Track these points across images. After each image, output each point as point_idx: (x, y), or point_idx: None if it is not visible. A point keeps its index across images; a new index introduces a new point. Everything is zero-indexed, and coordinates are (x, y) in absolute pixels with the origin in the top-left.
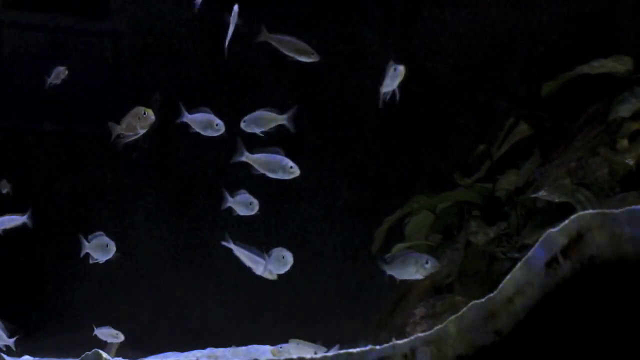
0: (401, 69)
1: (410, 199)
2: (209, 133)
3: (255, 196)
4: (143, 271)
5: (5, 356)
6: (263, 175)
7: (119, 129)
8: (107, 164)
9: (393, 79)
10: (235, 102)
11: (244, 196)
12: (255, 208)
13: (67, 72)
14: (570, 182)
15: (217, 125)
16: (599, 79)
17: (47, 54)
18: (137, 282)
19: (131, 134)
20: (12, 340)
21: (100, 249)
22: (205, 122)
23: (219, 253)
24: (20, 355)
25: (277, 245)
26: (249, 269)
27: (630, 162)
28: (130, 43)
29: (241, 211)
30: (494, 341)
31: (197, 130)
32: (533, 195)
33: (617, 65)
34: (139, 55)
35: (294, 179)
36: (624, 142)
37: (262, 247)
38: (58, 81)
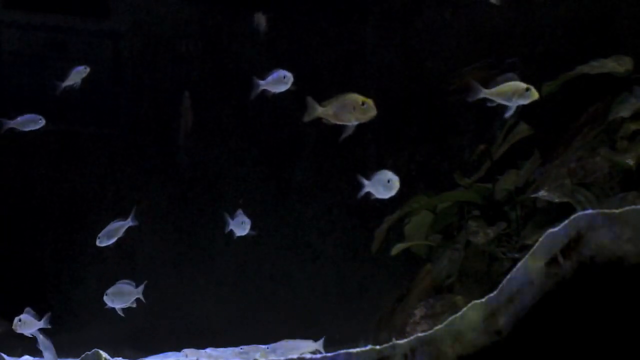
0: (534, 91)
1: (410, 199)
2: None
3: (256, 196)
4: (143, 271)
5: (5, 356)
6: (262, 175)
7: (322, 111)
8: (107, 164)
9: (519, 99)
10: (236, 102)
11: (238, 218)
12: (247, 228)
13: (88, 69)
14: (570, 182)
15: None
16: (599, 79)
17: (47, 54)
18: (136, 282)
19: (338, 122)
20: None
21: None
22: None
23: (219, 253)
24: (21, 355)
25: (275, 245)
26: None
27: (630, 162)
28: (130, 43)
29: (239, 232)
30: (494, 341)
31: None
32: (533, 195)
33: (617, 65)
34: (139, 55)
35: (294, 178)
36: (624, 142)
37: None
38: (78, 82)
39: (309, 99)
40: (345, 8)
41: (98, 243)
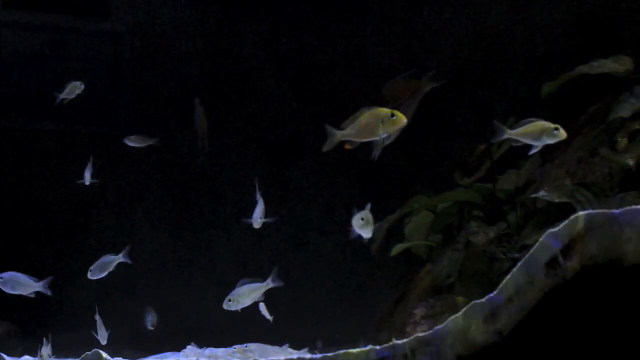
0: (562, 131)
1: (410, 199)
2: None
3: (256, 196)
4: (143, 271)
5: (5, 356)
6: (262, 175)
7: (342, 135)
8: (107, 164)
9: (547, 138)
10: (236, 102)
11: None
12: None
13: (82, 86)
14: (570, 182)
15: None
16: (599, 79)
17: (47, 54)
18: (137, 282)
19: (364, 140)
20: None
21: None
22: None
23: (219, 253)
24: (20, 356)
25: (276, 246)
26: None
27: (630, 162)
28: (130, 43)
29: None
30: (494, 341)
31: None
32: (533, 195)
33: (617, 65)
34: (139, 55)
35: (294, 178)
36: (624, 142)
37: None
38: (73, 96)
39: (328, 127)
40: (345, 8)
41: (90, 275)
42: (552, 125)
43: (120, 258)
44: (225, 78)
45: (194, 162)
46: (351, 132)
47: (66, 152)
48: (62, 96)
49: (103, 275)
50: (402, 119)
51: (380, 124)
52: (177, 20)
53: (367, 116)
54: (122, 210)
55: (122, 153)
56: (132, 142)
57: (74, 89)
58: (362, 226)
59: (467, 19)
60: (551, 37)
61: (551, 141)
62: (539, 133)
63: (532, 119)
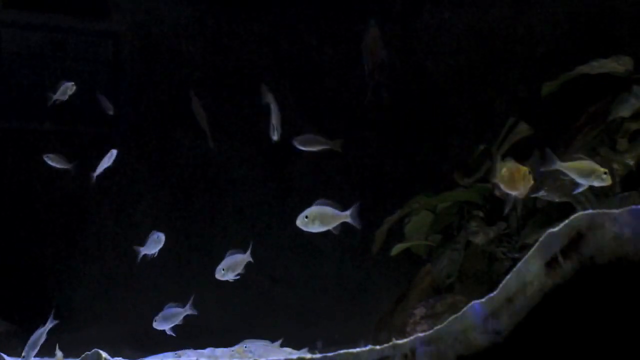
0: (609, 177)
1: (410, 199)
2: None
3: (256, 196)
4: (143, 271)
5: (5, 356)
6: (262, 175)
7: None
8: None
9: (594, 180)
10: (236, 102)
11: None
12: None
13: (74, 88)
14: (570, 182)
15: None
16: (599, 79)
17: (47, 54)
18: (137, 282)
19: (507, 191)
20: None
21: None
22: None
23: (219, 253)
24: (21, 355)
25: (275, 245)
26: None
27: (630, 162)
28: (130, 43)
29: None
30: (494, 341)
31: None
32: (533, 195)
33: (617, 65)
34: (138, 55)
35: (294, 178)
36: (624, 142)
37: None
38: (65, 97)
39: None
40: (345, 8)
41: (23, 357)
42: (602, 170)
43: (49, 325)
44: (225, 78)
45: (206, 144)
46: (499, 181)
47: (66, 152)
48: (55, 97)
49: (36, 350)
50: (530, 179)
51: (514, 179)
52: (177, 20)
53: (508, 169)
54: (122, 210)
55: (122, 153)
56: (50, 160)
57: (67, 90)
58: (307, 224)
59: (467, 19)
60: (551, 37)
61: (597, 184)
62: (588, 173)
63: (582, 156)
